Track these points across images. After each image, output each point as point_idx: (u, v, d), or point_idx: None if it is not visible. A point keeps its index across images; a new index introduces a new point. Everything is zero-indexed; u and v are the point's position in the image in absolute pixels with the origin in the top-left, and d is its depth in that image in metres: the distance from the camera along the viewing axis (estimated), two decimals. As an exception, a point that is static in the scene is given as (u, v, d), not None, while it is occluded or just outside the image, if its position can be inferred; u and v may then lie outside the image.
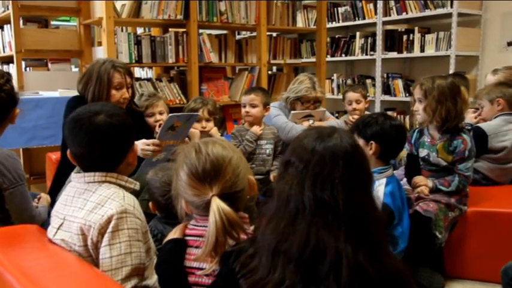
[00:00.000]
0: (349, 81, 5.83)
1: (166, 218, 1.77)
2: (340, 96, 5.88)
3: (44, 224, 1.82)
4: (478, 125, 2.95)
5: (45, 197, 2.21)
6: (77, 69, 4.92)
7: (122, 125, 1.55)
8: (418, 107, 2.46)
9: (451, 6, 4.62)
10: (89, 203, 1.45)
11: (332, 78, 5.99)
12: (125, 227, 1.40)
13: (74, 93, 2.65)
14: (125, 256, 1.39)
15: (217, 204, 1.24)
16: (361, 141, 2.16)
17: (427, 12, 4.85)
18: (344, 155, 1.06)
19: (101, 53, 3.70)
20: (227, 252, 1.16)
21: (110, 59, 2.60)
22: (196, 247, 1.32)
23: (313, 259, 1.00)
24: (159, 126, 2.76)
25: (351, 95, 3.32)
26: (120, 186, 1.52)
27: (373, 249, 1.03)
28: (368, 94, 3.51)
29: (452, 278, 2.51)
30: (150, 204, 1.83)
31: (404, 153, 2.71)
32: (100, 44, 4.31)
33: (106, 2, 3.43)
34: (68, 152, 1.56)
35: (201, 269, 1.30)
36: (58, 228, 1.51)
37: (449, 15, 4.65)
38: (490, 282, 2.43)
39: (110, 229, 1.39)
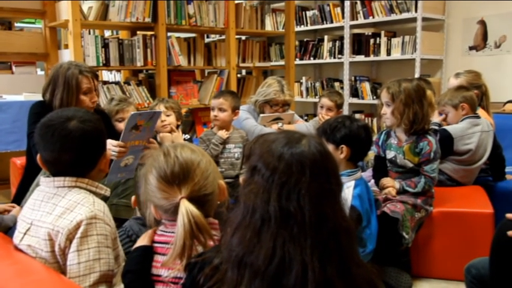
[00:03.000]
0: (317, 84, 5.89)
1: (143, 220, 1.74)
2: (309, 99, 5.96)
3: (9, 232, 1.78)
4: (445, 127, 2.99)
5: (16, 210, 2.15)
6: (42, 73, 4.82)
7: (95, 131, 1.54)
8: (386, 111, 2.49)
9: (416, 11, 4.73)
10: (57, 208, 1.42)
11: (301, 81, 6.04)
12: (94, 233, 1.39)
13: (40, 97, 2.59)
14: (93, 262, 1.37)
15: (186, 207, 1.23)
16: (331, 146, 2.17)
17: (393, 17, 4.95)
18: (311, 164, 1.01)
19: (67, 56, 3.63)
20: (191, 263, 1.13)
21: (74, 63, 2.54)
22: (164, 254, 1.31)
23: (279, 273, 0.96)
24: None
25: (325, 102, 3.32)
26: (91, 191, 1.50)
27: (343, 261, 0.99)
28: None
29: (419, 278, 2.56)
30: (133, 198, 1.80)
31: (372, 155, 2.75)
32: (66, 46, 4.23)
33: (72, 3, 3.37)
34: (38, 157, 1.53)
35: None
36: (25, 233, 1.47)
37: (414, 19, 4.76)
38: (454, 281, 2.49)
39: (78, 235, 1.37)
